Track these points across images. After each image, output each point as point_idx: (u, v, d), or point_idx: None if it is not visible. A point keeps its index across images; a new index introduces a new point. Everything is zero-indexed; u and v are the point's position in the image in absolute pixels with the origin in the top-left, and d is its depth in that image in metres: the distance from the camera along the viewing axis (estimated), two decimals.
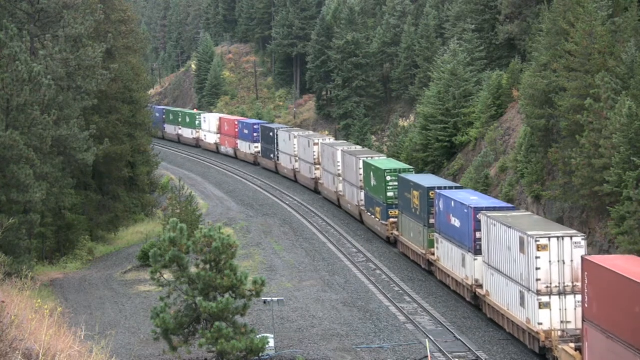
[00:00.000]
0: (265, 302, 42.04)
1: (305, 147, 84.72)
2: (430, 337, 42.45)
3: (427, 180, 56.67)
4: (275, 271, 55.97)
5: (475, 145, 74.87)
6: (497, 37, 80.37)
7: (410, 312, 47.00)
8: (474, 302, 46.73)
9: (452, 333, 43.29)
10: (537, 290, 38.29)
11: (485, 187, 66.70)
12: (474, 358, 40.00)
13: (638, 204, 43.87)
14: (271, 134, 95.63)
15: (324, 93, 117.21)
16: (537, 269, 38.26)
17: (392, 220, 61.03)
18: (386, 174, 61.19)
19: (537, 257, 38.26)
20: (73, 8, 58.29)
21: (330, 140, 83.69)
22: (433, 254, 52.33)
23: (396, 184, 59.95)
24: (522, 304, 39.78)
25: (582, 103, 51.03)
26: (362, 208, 67.80)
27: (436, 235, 51.63)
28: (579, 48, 52.84)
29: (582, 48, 52.63)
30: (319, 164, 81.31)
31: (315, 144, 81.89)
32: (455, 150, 77.80)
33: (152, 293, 50.43)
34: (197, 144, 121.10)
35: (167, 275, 36.41)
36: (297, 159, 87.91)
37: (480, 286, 45.35)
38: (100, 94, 64.73)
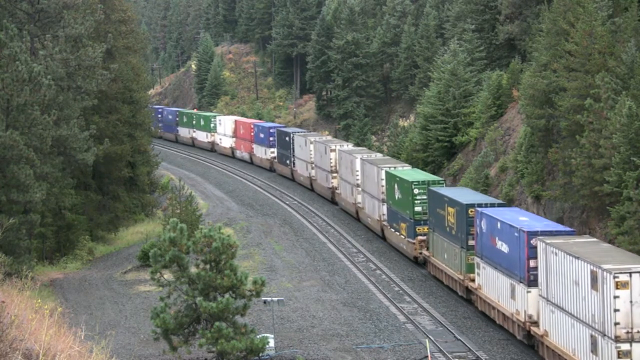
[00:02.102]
0: (265, 302, 42.04)
1: (321, 154, 78.75)
2: (430, 337, 42.44)
3: (464, 195, 49.88)
4: (275, 271, 55.97)
5: (475, 145, 74.89)
6: (497, 37, 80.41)
7: (410, 312, 46.99)
8: (526, 342, 40.09)
9: (452, 333, 43.26)
10: (615, 336, 32.12)
11: (485, 187, 66.73)
12: (474, 358, 39.98)
13: (638, 204, 43.87)
14: (287, 138, 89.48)
15: (324, 93, 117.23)
16: (616, 310, 32.03)
17: (420, 238, 54.70)
18: (413, 187, 55.19)
19: (615, 297, 32.01)
20: (73, 8, 58.30)
21: (349, 146, 77.67)
22: (473, 281, 45.86)
23: (425, 197, 54.25)
24: (594, 350, 33.51)
25: (582, 103, 51.04)
26: (385, 223, 61.45)
27: (477, 259, 45.02)
28: (579, 48, 52.85)
29: (582, 48, 52.64)
30: (336, 172, 75.57)
31: (332, 151, 75.95)
32: (455, 150, 77.83)
33: (152, 293, 50.43)
34: (212, 148, 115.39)
35: (167, 275, 36.41)
36: (314, 166, 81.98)
37: (536, 324, 38.82)
38: (100, 94, 64.75)
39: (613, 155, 46.74)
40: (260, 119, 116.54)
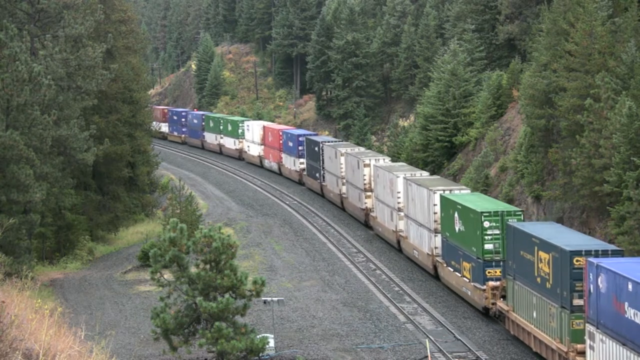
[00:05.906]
0: (265, 302, 42.07)
1: (354, 168, 68.42)
2: (430, 337, 42.45)
3: (561, 235, 38.41)
4: (275, 271, 55.98)
5: (475, 145, 74.89)
6: (497, 37, 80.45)
7: (410, 312, 46.99)
8: None
9: (452, 333, 43.27)
10: None
11: (485, 187, 66.72)
12: (474, 358, 39.99)
13: (638, 204, 43.89)
14: (316, 148, 79.60)
15: (324, 93, 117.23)
16: None
17: (492, 284, 43.79)
18: (483, 219, 44.54)
19: None
20: (73, 8, 58.28)
21: (387, 161, 66.93)
22: (582, 354, 34.60)
23: (497, 232, 44.31)
24: None
25: (582, 103, 51.08)
26: (439, 259, 51.17)
27: (590, 327, 33.50)
28: (579, 48, 52.88)
29: (582, 48, 52.67)
30: (371, 190, 65.19)
31: (365, 165, 65.70)
32: (455, 150, 77.82)
33: (152, 293, 50.42)
34: (239, 156, 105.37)
35: (167, 275, 36.40)
36: (345, 181, 71.71)
37: None
38: (100, 94, 64.76)
39: (613, 155, 46.76)
40: (260, 119, 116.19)
